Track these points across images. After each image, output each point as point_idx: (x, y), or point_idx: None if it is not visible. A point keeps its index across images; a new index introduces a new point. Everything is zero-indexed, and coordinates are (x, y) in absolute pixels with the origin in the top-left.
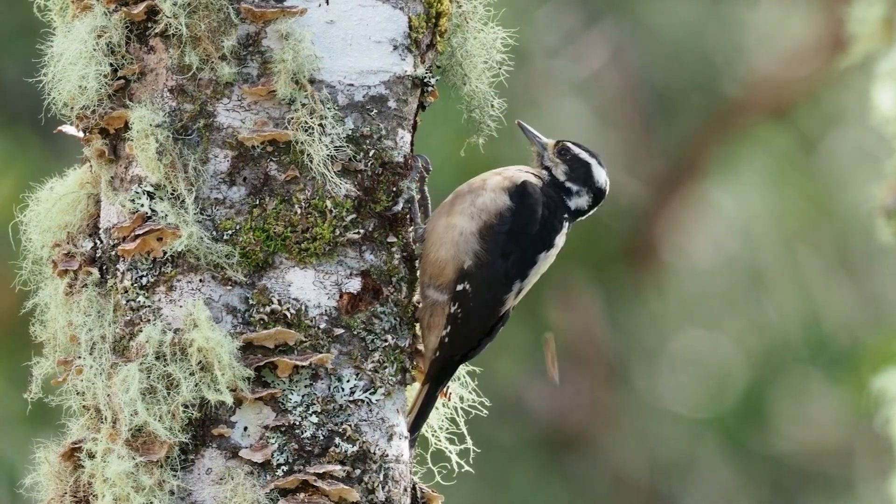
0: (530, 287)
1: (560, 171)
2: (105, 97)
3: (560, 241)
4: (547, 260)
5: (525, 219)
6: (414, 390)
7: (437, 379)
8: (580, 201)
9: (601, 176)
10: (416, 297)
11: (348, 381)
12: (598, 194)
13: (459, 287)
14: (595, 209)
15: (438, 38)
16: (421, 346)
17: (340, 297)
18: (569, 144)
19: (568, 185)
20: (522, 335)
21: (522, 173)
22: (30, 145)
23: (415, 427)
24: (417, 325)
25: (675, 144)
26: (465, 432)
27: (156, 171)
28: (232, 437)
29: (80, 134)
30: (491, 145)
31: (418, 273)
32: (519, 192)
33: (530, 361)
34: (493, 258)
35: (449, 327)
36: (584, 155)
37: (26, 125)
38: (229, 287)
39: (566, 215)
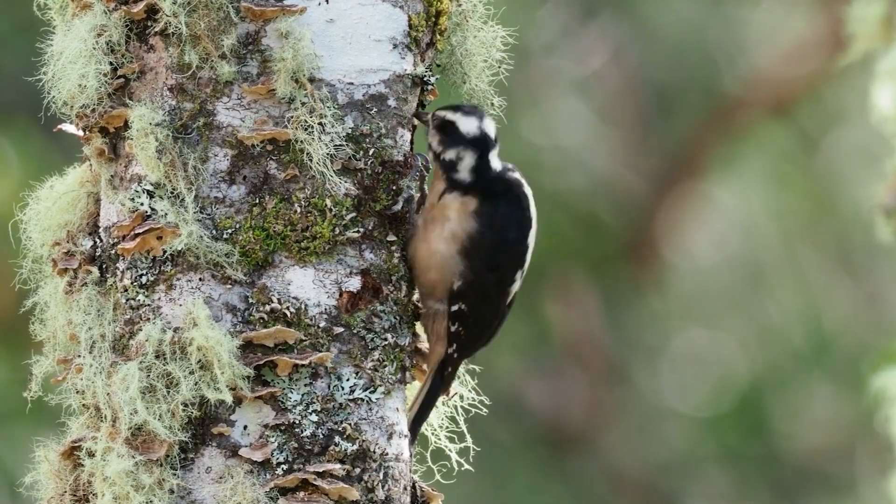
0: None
1: (436, 143)
2: (105, 96)
3: (534, 209)
4: (535, 231)
5: (502, 230)
6: (414, 389)
7: (440, 380)
8: (466, 163)
9: (469, 125)
10: (415, 297)
11: (348, 380)
12: (475, 143)
13: (455, 308)
14: (490, 156)
15: (438, 37)
16: (421, 345)
17: (340, 295)
18: (436, 113)
19: (446, 157)
20: (522, 333)
21: (454, 194)
22: (32, 143)
23: (415, 427)
24: (418, 325)
25: (676, 142)
26: (465, 431)
27: (155, 169)
28: (232, 435)
29: (80, 132)
30: None
31: (415, 285)
32: (488, 211)
33: (530, 359)
34: (483, 275)
35: (455, 344)
36: (447, 114)
37: (28, 123)
38: (229, 286)
39: (520, 186)
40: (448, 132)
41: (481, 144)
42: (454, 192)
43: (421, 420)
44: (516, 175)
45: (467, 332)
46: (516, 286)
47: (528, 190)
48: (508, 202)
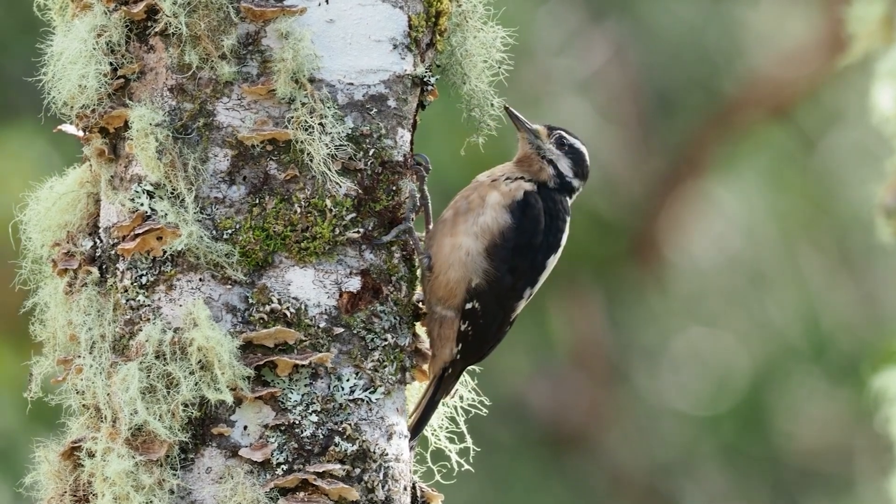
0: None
1: (565, 166)
2: (105, 96)
3: (565, 239)
4: (555, 260)
5: (529, 233)
6: (414, 389)
7: (443, 384)
8: (576, 187)
9: (588, 160)
10: (415, 297)
11: (348, 380)
12: (586, 177)
13: (468, 306)
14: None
15: (438, 37)
16: (420, 346)
17: (340, 295)
18: (564, 134)
19: (574, 182)
20: (523, 334)
21: (518, 182)
22: (35, 144)
23: (416, 431)
24: (418, 325)
25: (676, 143)
26: (465, 431)
27: (155, 170)
28: (232, 436)
29: (80, 133)
30: (491, 144)
31: (424, 291)
32: (521, 206)
33: (531, 359)
34: (502, 274)
35: (460, 345)
36: (578, 144)
37: (32, 125)
38: (229, 286)
39: (567, 214)
40: (579, 163)
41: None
42: (527, 182)
43: (422, 424)
44: (568, 205)
45: (475, 334)
46: (521, 305)
47: (568, 221)
48: (550, 217)
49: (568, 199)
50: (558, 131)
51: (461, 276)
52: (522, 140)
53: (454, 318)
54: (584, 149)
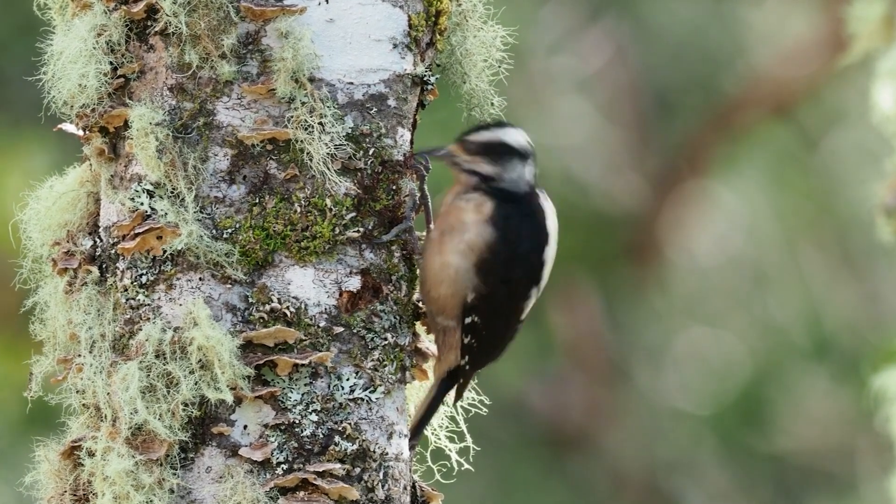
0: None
1: (486, 167)
2: (105, 95)
3: (553, 224)
4: (553, 248)
5: (514, 243)
6: (414, 388)
7: (448, 388)
8: (528, 176)
9: (515, 136)
10: (415, 297)
11: (348, 380)
12: (524, 154)
13: (468, 320)
14: (535, 164)
15: (438, 37)
16: (421, 345)
17: (340, 295)
18: (468, 137)
19: (506, 176)
20: (523, 334)
21: (476, 196)
22: (34, 143)
23: (417, 431)
24: (418, 325)
25: (677, 142)
26: (465, 430)
27: (155, 169)
28: (232, 435)
29: (80, 132)
30: None
31: (423, 302)
32: (502, 216)
33: (531, 359)
34: (496, 287)
35: (467, 356)
36: (487, 135)
37: (30, 123)
38: (229, 285)
39: (543, 198)
40: (496, 150)
41: (528, 154)
42: (477, 192)
43: (424, 425)
44: (536, 189)
45: (480, 345)
46: (531, 302)
47: (547, 204)
48: (523, 213)
49: (518, 190)
50: (464, 138)
51: (452, 291)
52: (449, 167)
53: (455, 327)
54: (497, 134)
